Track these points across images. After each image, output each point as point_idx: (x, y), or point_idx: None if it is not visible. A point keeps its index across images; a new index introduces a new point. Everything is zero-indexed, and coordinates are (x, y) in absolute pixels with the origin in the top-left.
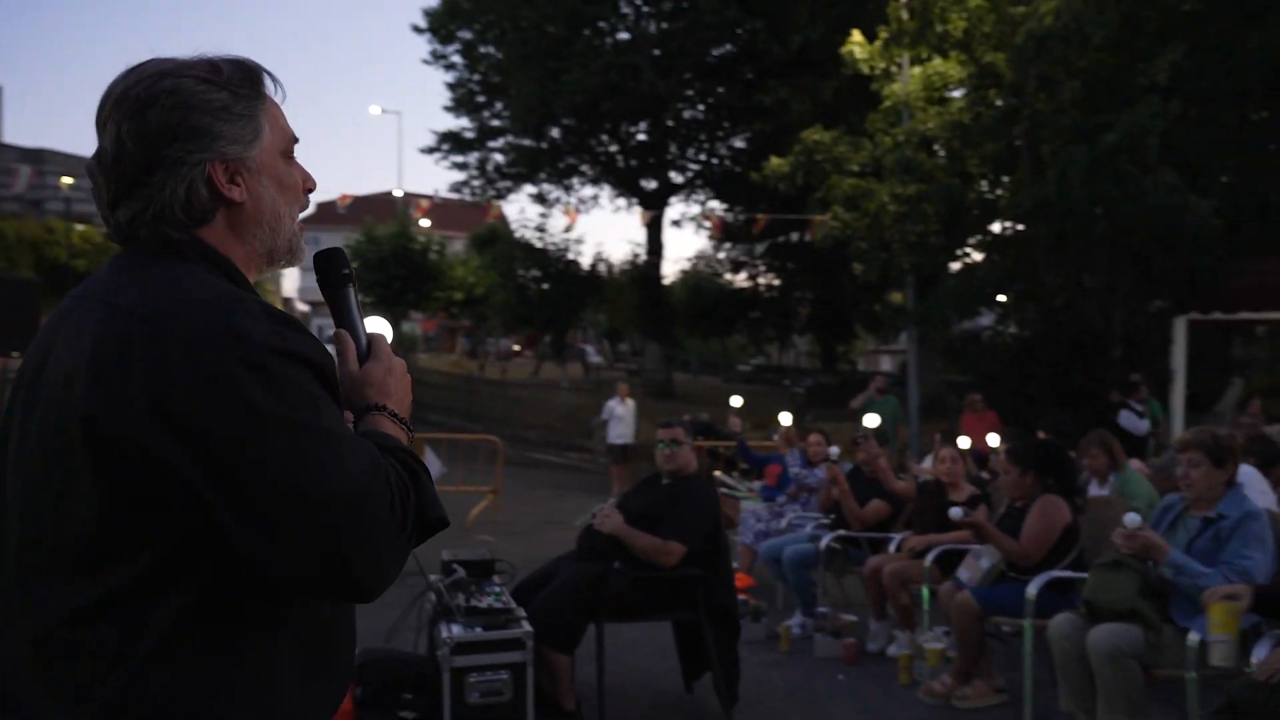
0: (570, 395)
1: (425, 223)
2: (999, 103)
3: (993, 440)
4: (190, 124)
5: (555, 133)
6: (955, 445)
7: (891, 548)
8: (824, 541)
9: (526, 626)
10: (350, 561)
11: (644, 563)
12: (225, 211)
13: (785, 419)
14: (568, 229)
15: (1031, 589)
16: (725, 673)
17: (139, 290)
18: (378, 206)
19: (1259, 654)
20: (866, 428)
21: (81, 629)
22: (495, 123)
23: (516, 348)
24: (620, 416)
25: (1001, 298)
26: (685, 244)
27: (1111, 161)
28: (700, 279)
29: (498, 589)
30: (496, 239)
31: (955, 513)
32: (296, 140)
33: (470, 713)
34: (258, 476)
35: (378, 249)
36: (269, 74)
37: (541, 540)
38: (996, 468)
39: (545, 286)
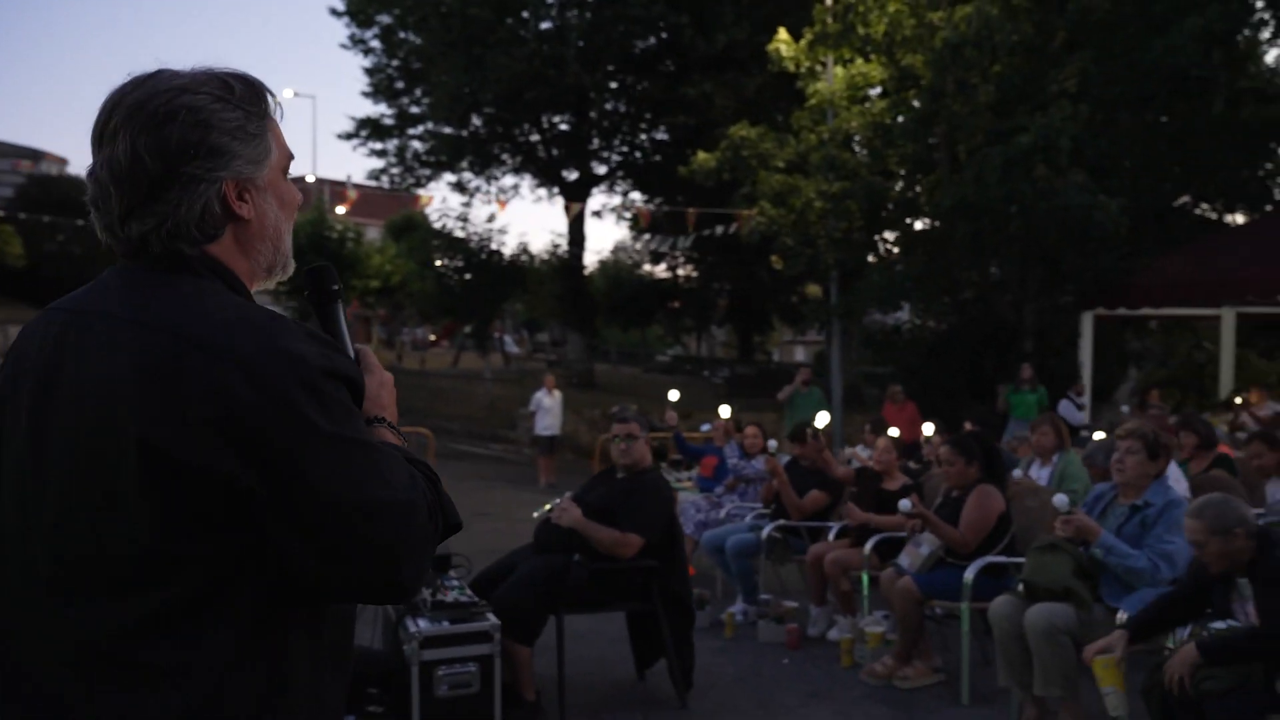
0: (493, 386)
1: (341, 210)
2: (916, 104)
3: (927, 429)
4: (209, 143)
5: (478, 121)
6: (888, 436)
7: (830, 535)
8: (765, 531)
9: (492, 619)
10: (400, 567)
11: (602, 555)
12: (233, 227)
13: (724, 412)
14: (491, 219)
15: (969, 574)
16: (680, 660)
17: (172, 310)
18: None
19: (1181, 633)
20: (816, 427)
21: (134, 645)
22: (415, 110)
23: (432, 337)
24: (548, 408)
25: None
26: (604, 234)
27: (1025, 162)
28: (620, 269)
29: (456, 583)
30: (413, 227)
31: (904, 505)
32: (293, 157)
33: (439, 705)
34: (320, 491)
35: (293, 237)
36: (270, 92)
37: (475, 533)
38: (931, 456)
39: (468, 277)
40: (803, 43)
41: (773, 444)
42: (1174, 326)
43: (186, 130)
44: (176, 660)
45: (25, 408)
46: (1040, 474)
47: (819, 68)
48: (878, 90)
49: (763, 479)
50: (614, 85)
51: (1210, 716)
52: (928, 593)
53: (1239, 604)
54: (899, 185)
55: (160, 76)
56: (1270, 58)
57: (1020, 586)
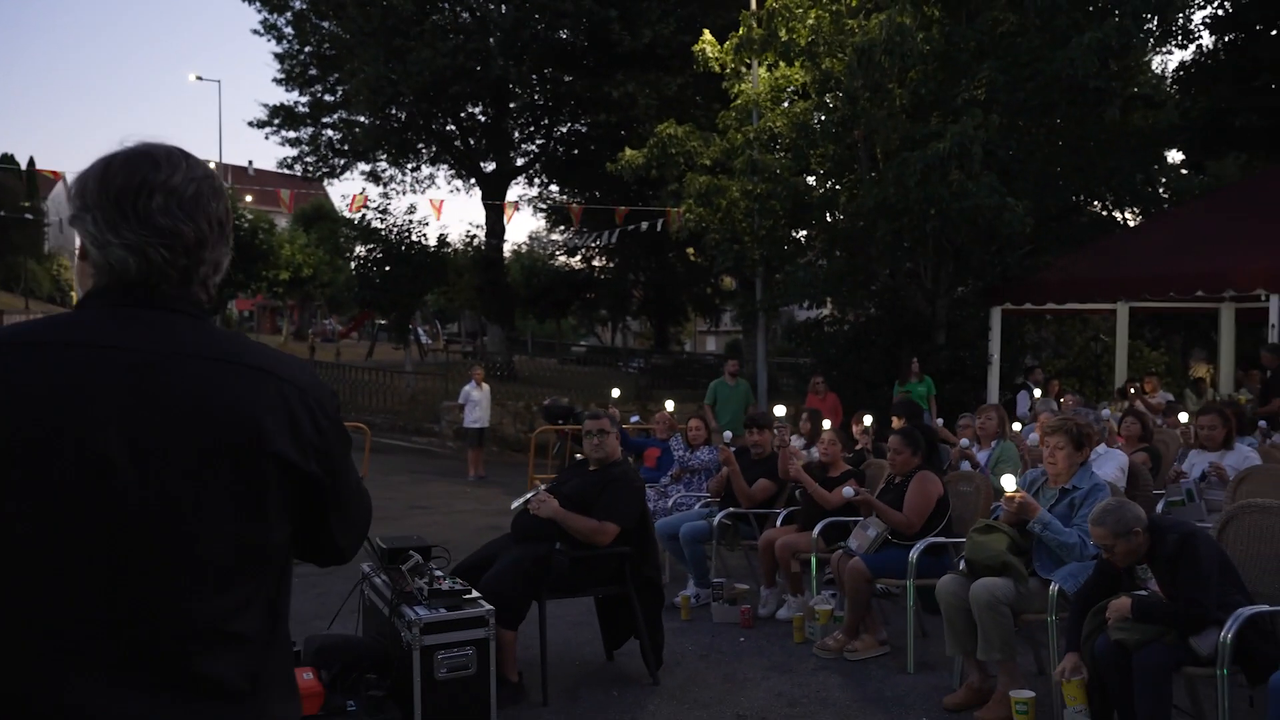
0: (414, 379)
1: (247, 198)
2: (832, 105)
3: (867, 420)
4: (229, 213)
5: (395, 112)
6: (830, 429)
7: (778, 521)
8: (717, 518)
9: (486, 605)
10: (364, 538)
11: (580, 542)
12: None
13: (669, 406)
14: (411, 210)
15: (913, 554)
16: (651, 638)
17: (246, 349)
18: None
19: None
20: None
21: (235, 619)
22: (329, 98)
23: (340, 329)
24: (476, 401)
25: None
26: (519, 225)
27: (942, 167)
28: (535, 260)
29: (439, 572)
30: (323, 217)
31: (848, 492)
32: None
33: (439, 687)
34: (350, 482)
35: None
36: None
37: (415, 525)
38: (866, 445)
39: (388, 269)
40: (728, 45)
41: (728, 435)
42: (1068, 318)
43: (225, 203)
44: (260, 627)
45: (107, 436)
46: (978, 456)
47: (744, 69)
48: (796, 89)
49: (708, 469)
50: (536, 79)
51: (1136, 666)
52: (876, 572)
53: (1146, 586)
54: (820, 186)
55: (191, 157)
56: (1156, 63)
57: (961, 564)
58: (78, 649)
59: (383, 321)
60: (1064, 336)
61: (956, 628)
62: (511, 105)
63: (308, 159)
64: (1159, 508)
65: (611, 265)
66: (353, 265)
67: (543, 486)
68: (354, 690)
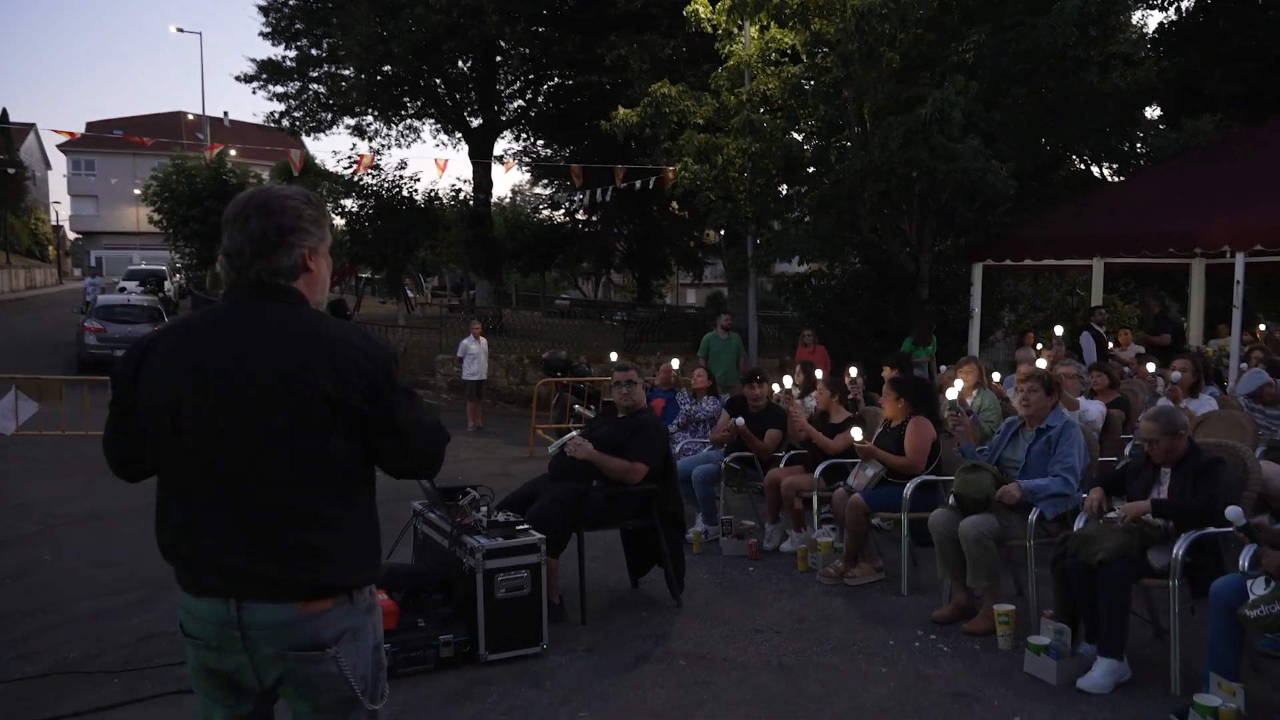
0: (408, 333)
1: (233, 152)
2: (824, 64)
3: (853, 372)
4: (299, 226)
5: (388, 68)
6: (823, 379)
7: (782, 463)
8: (724, 461)
9: (537, 535)
10: (436, 458)
11: (613, 481)
12: (305, 276)
13: (674, 364)
14: (402, 165)
15: (907, 490)
16: (675, 566)
17: (318, 323)
18: (163, 127)
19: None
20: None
21: (324, 510)
22: (315, 51)
23: None
24: (474, 354)
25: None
26: (502, 178)
27: (923, 131)
28: (519, 214)
29: (489, 507)
30: (305, 170)
31: (856, 433)
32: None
33: (499, 605)
34: (399, 415)
35: (189, 182)
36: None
37: None
38: (856, 395)
39: (379, 223)
40: (720, 6)
41: (740, 421)
42: (1045, 273)
43: (287, 218)
44: (339, 515)
45: (218, 385)
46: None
47: (735, 30)
48: (785, 52)
49: (712, 419)
50: (529, 39)
51: (1100, 579)
52: (874, 507)
53: (1156, 488)
54: (811, 144)
55: (274, 188)
56: (1136, 18)
57: (951, 499)
58: (213, 523)
59: (366, 275)
60: (1041, 290)
61: (946, 554)
62: (498, 59)
63: (295, 114)
64: (1126, 450)
65: (595, 219)
66: (341, 220)
67: (575, 432)
68: (422, 610)
